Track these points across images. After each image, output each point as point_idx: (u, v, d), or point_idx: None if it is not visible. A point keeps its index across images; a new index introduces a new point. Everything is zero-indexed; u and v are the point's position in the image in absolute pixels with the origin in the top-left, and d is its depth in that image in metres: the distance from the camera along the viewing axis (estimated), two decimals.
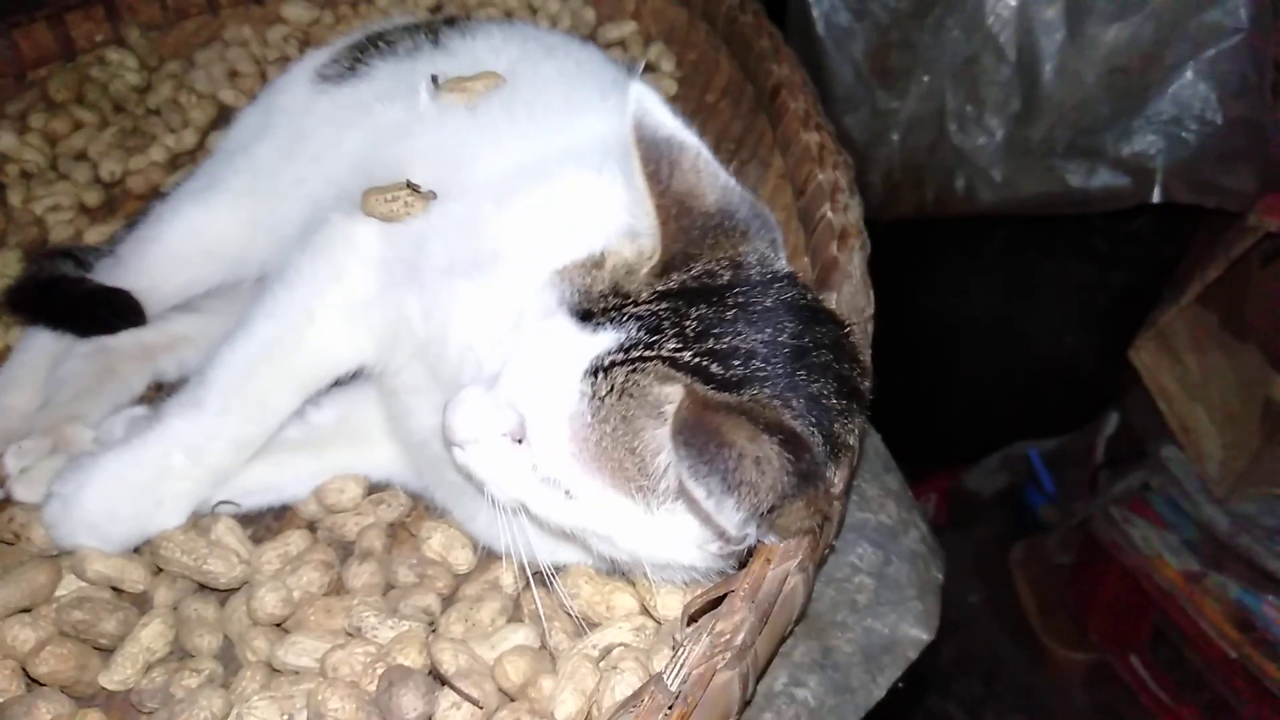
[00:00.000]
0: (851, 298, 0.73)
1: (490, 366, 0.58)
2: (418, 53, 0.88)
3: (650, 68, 1.20)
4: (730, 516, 0.48)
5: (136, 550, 0.71)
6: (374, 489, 0.77)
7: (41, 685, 0.63)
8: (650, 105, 0.57)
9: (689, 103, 1.15)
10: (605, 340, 0.54)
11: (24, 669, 0.63)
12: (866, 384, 0.59)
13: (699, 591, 0.57)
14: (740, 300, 0.56)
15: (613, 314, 0.55)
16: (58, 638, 0.64)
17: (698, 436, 0.48)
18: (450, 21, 0.94)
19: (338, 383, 0.76)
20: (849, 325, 0.61)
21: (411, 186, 0.71)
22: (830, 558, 0.70)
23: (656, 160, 0.57)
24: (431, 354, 0.68)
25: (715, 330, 0.54)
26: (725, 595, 0.53)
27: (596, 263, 0.59)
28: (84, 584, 0.69)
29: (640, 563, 0.58)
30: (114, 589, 0.69)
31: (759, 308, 0.56)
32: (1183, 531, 1.98)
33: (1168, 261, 1.97)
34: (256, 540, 0.73)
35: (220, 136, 1.07)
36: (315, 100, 0.89)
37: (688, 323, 0.54)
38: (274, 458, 0.75)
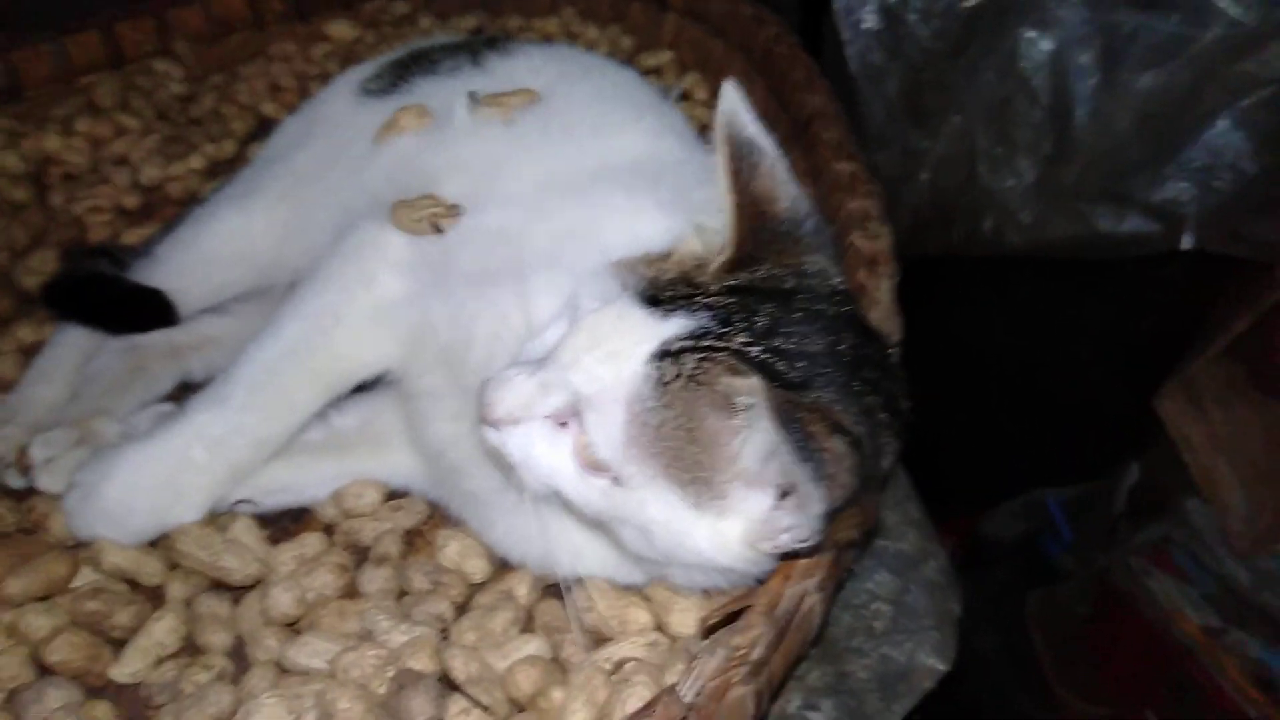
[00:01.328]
0: (880, 324, 0.73)
1: (529, 354, 0.57)
2: (458, 71, 0.89)
3: (686, 95, 1.21)
4: (816, 508, 0.50)
5: (153, 544, 0.71)
6: (393, 495, 0.77)
7: (53, 674, 0.63)
8: (739, 105, 0.58)
9: None
10: (675, 326, 0.54)
11: (36, 657, 0.63)
12: (906, 406, 0.59)
13: (715, 606, 0.56)
14: (804, 305, 0.56)
15: (682, 302, 0.55)
16: (71, 627, 0.64)
17: (790, 426, 0.48)
18: (491, 42, 0.95)
19: (361, 388, 0.76)
20: (891, 348, 0.61)
21: (438, 201, 0.72)
22: (848, 583, 0.70)
23: (740, 159, 0.57)
24: (455, 360, 0.68)
25: (782, 330, 0.54)
26: (743, 610, 0.53)
27: (663, 255, 0.60)
28: (100, 576, 0.69)
29: (672, 561, 0.57)
30: (129, 582, 0.70)
31: (821, 315, 0.56)
32: (1204, 586, 1.94)
33: (1197, 310, 1.95)
34: (273, 541, 0.73)
35: (259, 147, 1.08)
36: (357, 112, 0.91)
37: (757, 319, 0.55)
38: (294, 459, 0.75)
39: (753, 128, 0.58)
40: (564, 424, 0.56)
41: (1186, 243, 1.51)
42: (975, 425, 2.18)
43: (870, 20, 1.66)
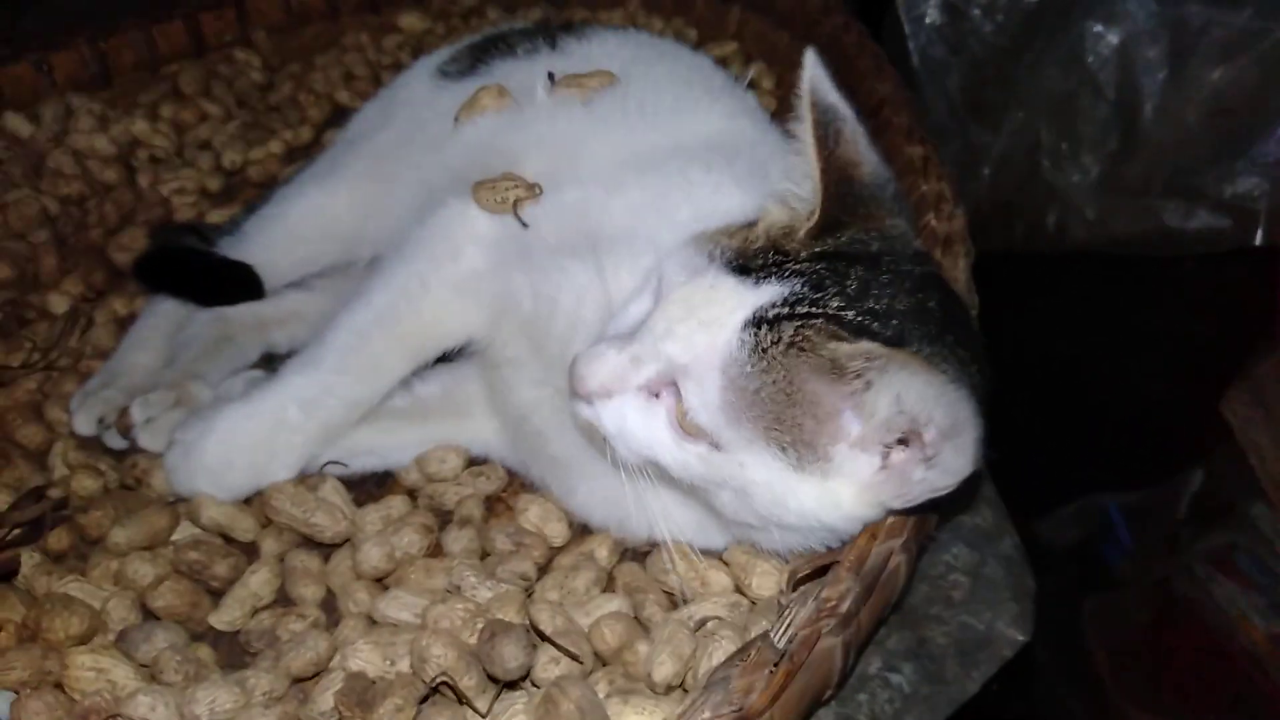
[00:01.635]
0: None
1: (615, 329, 0.59)
2: (535, 53, 0.91)
3: (752, 84, 1.22)
4: (958, 462, 0.51)
5: (247, 502, 0.74)
6: (474, 462, 0.79)
7: (157, 618, 0.65)
8: (819, 73, 0.59)
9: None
10: (768, 293, 0.55)
11: (143, 602, 0.66)
12: (987, 364, 0.59)
13: (801, 561, 0.57)
14: (891, 266, 0.57)
15: (773, 269, 0.56)
16: (174, 575, 0.67)
17: (915, 377, 0.50)
18: (567, 27, 0.97)
19: (444, 358, 0.78)
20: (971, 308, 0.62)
21: (518, 180, 0.73)
22: (926, 555, 0.70)
23: (825, 125, 0.58)
24: (538, 330, 0.70)
25: (874, 291, 0.55)
26: (830, 566, 0.53)
27: (750, 224, 0.61)
28: (198, 530, 0.72)
29: (770, 523, 0.57)
30: (225, 537, 0.72)
31: (909, 276, 0.57)
32: (1271, 594, 1.90)
33: (1265, 310, 1.91)
34: (359, 503, 0.75)
35: (335, 133, 1.11)
36: (436, 94, 0.93)
37: (849, 282, 0.55)
38: (381, 424, 0.78)
39: (834, 95, 0.59)
40: (656, 394, 0.57)
41: (1258, 239, 1.48)
42: (1034, 426, 2.16)
43: (933, 15, 1.66)
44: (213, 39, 1.27)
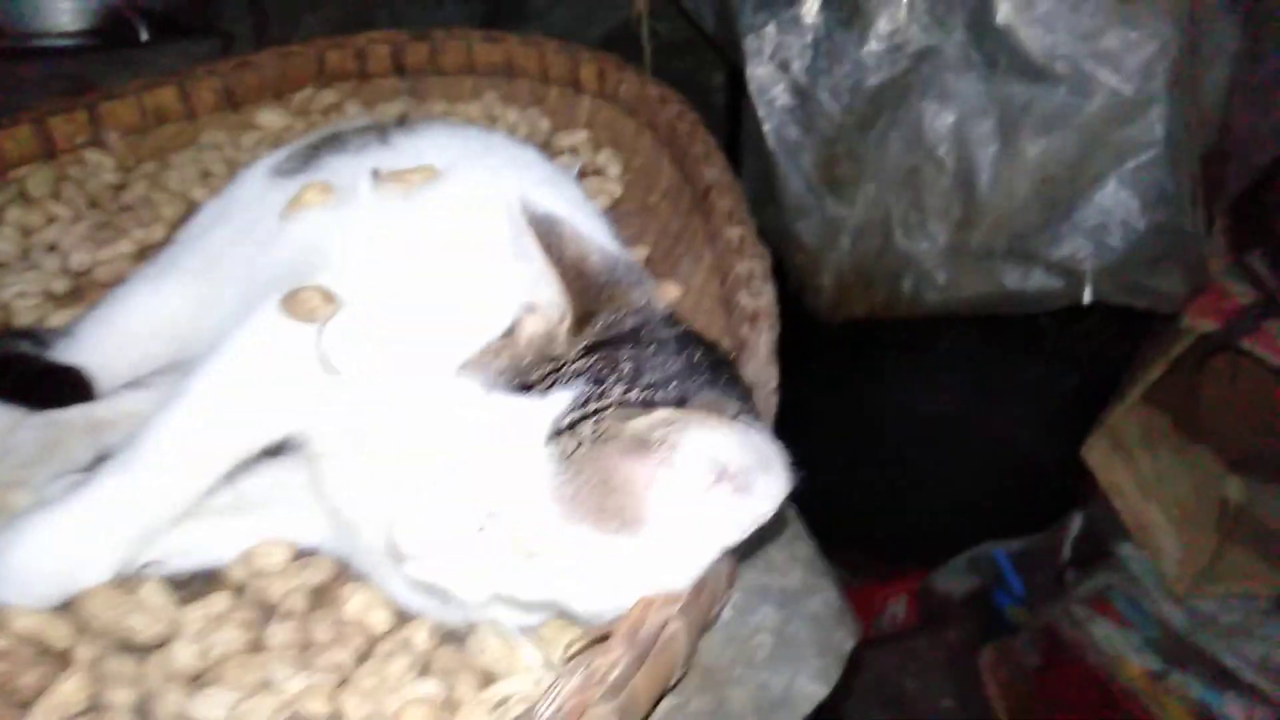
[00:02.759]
0: (756, 373, 0.78)
1: (419, 467, 0.61)
2: (366, 149, 0.95)
3: (599, 171, 1.28)
4: (773, 487, 0.56)
5: (62, 606, 0.73)
6: (302, 554, 0.80)
7: None
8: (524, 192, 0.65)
9: (633, 202, 1.23)
10: (558, 402, 0.59)
11: None
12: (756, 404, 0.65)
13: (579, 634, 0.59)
14: (652, 336, 0.63)
15: (552, 377, 0.60)
16: None
17: (705, 427, 0.55)
18: (401, 122, 1.01)
19: (268, 450, 0.79)
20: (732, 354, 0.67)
21: (319, 292, 0.76)
22: (734, 619, 0.73)
23: (546, 235, 0.63)
24: (351, 427, 0.72)
25: (646, 366, 0.60)
26: (607, 636, 0.56)
27: (510, 340, 0.64)
28: (8, 640, 0.71)
29: (620, 599, 0.60)
30: (38, 645, 0.71)
31: (668, 339, 0.63)
32: (1144, 630, 1.98)
33: (1116, 361, 2.03)
34: (183, 601, 0.75)
35: None
36: (269, 191, 0.95)
37: (623, 365, 0.60)
38: (204, 520, 0.78)
39: (543, 205, 0.65)
40: (481, 529, 0.59)
41: (1087, 297, 1.59)
42: (920, 482, 2.23)
43: (783, 98, 1.76)
44: (63, 142, 1.28)
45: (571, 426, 0.58)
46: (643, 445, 0.56)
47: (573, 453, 0.57)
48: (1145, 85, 1.51)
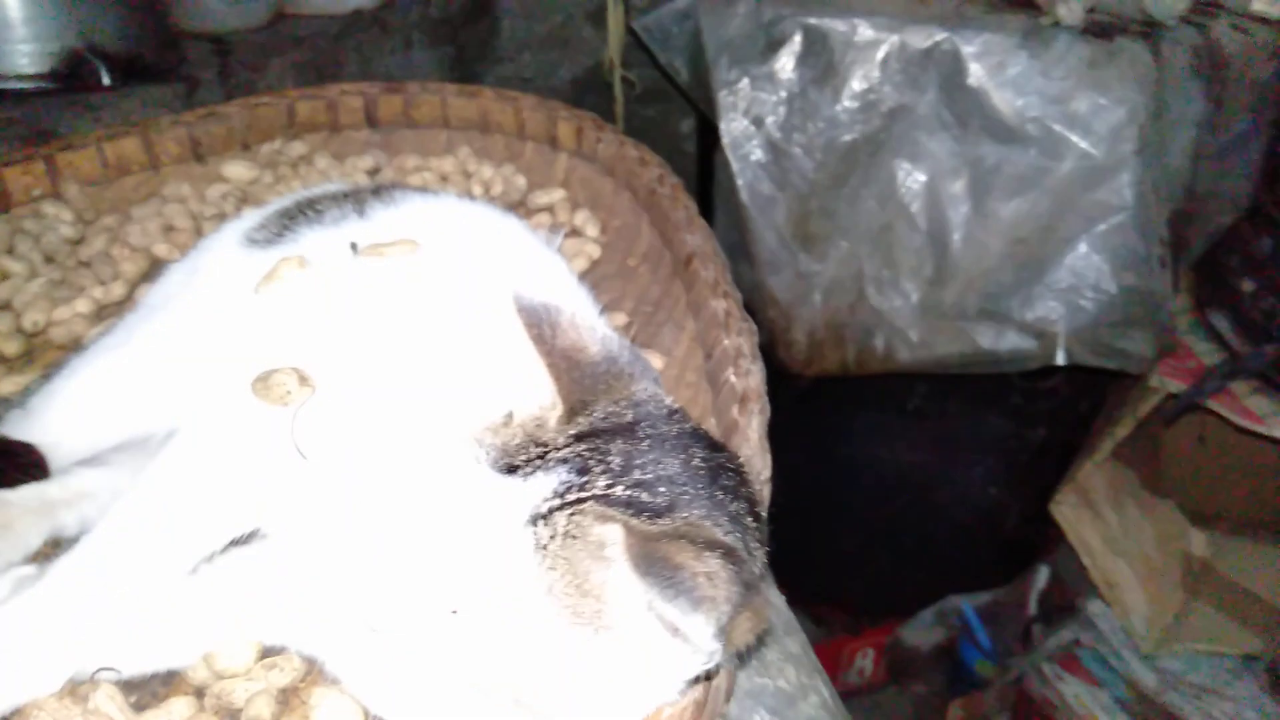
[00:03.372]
0: (748, 460, 0.75)
1: (397, 546, 0.58)
2: (343, 221, 0.92)
3: (577, 231, 1.26)
4: (703, 631, 0.50)
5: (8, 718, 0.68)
6: (268, 653, 0.75)
7: None
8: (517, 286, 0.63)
9: (611, 265, 1.20)
10: (538, 487, 0.56)
11: None
12: (762, 512, 0.61)
13: None
14: (649, 432, 0.60)
15: (537, 462, 0.57)
16: None
17: (654, 566, 0.50)
18: (377, 191, 0.98)
19: (233, 544, 0.75)
20: (740, 458, 0.64)
21: (292, 375, 0.73)
22: None
23: (538, 324, 0.61)
24: (318, 520, 0.68)
25: (637, 462, 0.57)
26: None
27: (504, 422, 0.62)
28: None
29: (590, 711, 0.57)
30: None
31: (667, 437, 0.60)
32: (1113, 689, 1.98)
33: (1084, 418, 2.05)
34: (140, 707, 0.70)
35: (148, 289, 1.08)
36: (241, 263, 0.92)
37: (611, 458, 0.57)
38: (163, 621, 0.73)
39: (540, 296, 0.63)
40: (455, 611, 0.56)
41: (1060, 359, 1.60)
42: (889, 536, 2.23)
43: (757, 153, 1.75)
44: (19, 194, 1.23)
45: (548, 515, 0.55)
46: (603, 558, 0.53)
47: (547, 543, 0.54)
48: (1115, 149, 1.53)
